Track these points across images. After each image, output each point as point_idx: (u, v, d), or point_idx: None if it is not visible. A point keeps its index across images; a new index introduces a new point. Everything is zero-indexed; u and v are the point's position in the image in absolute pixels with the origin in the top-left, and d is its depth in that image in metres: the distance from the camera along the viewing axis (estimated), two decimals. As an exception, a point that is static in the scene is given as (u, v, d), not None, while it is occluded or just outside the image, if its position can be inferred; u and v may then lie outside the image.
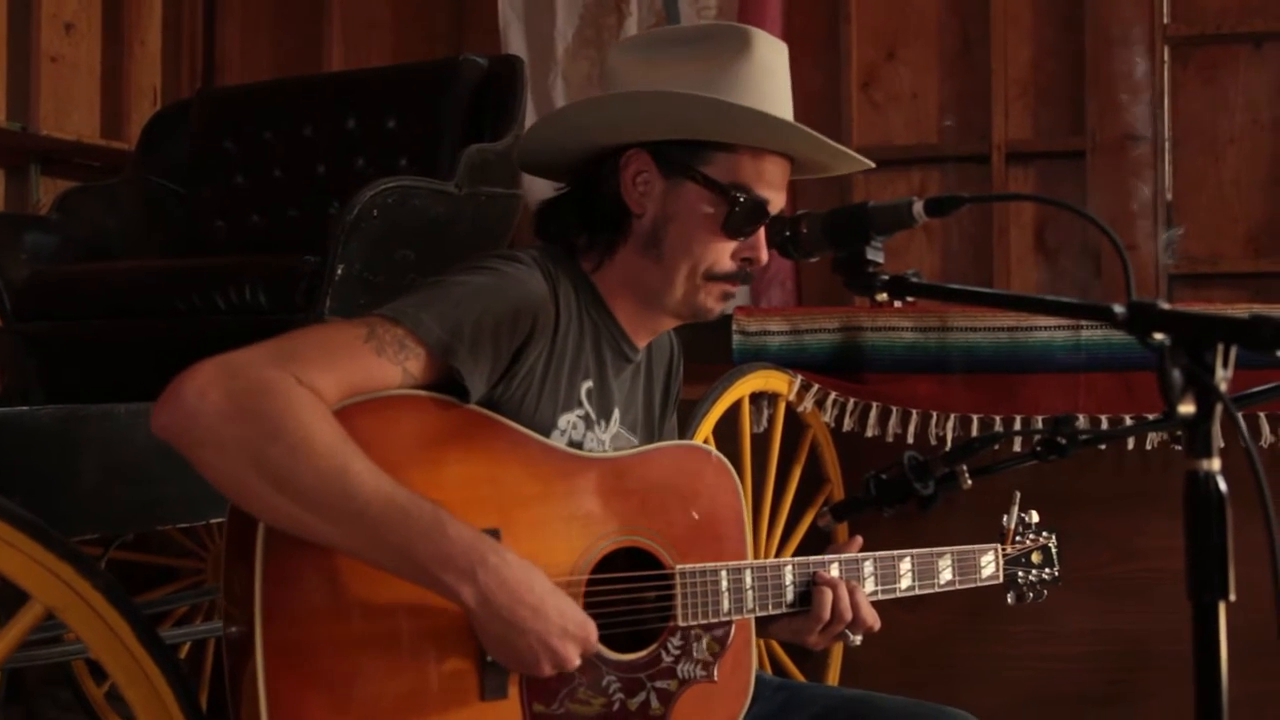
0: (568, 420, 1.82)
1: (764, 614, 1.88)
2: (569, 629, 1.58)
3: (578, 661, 1.61)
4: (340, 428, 1.49)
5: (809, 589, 1.90)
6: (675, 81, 1.80)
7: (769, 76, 1.84)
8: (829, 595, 1.88)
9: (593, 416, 1.86)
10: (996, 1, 4.02)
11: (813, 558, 1.93)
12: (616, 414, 1.92)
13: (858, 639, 1.95)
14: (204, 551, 3.81)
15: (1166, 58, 3.90)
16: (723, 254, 1.83)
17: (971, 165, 4.09)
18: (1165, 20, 3.90)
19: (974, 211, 4.05)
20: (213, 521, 2.69)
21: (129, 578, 3.76)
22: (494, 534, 1.60)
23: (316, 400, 1.49)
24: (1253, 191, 3.87)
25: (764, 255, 1.83)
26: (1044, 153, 4.04)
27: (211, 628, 2.83)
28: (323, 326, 1.63)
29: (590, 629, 1.62)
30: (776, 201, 1.85)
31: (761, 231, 1.82)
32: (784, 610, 1.89)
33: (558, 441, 1.78)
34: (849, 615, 1.90)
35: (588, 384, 1.85)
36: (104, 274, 2.99)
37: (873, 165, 1.94)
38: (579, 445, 1.82)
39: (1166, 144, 3.89)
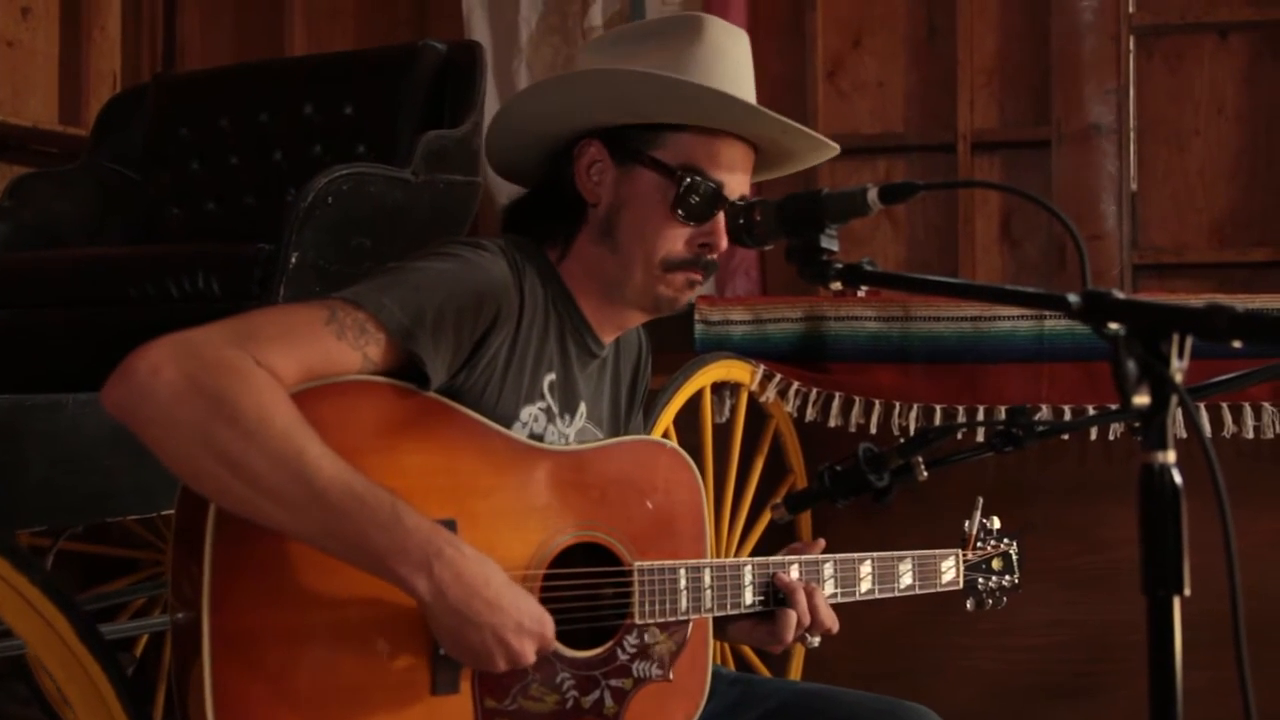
0: (529, 412, 1.79)
1: (721, 614, 1.86)
2: (525, 624, 1.55)
3: (534, 657, 1.58)
4: (297, 411, 1.46)
5: (768, 590, 1.88)
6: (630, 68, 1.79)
7: (721, 57, 1.82)
8: (792, 617, 1.87)
9: (555, 410, 1.83)
10: (962, -10, 4.01)
11: (772, 558, 1.91)
12: (583, 408, 1.89)
13: (816, 641, 1.93)
14: (163, 543, 3.76)
15: (1132, 47, 3.89)
16: (677, 240, 1.80)
17: (938, 154, 4.07)
18: (1131, 9, 3.89)
19: (939, 201, 4.04)
20: (166, 513, 2.64)
21: (86, 570, 3.72)
22: (449, 525, 1.58)
23: (274, 382, 1.46)
24: (1217, 181, 3.87)
25: (722, 242, 1.80)
26: (1009, 142, 4.03)
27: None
28: (283, 307, 1.62)
29: (547, 624, 1.59)
30: (733, 185, 1.82)
31: (720, 217, 1.79)
32: (741, 611, 1.87)
33: (519, 433, 1.75)
34: (807, 620, 1.88)
35: (550, 376, 1.83)
36: (55, 262, 2.94)
37: (837, 149, 1.92)
38: (540, 438, 1.80)
39: (1131, 134, 3.88)
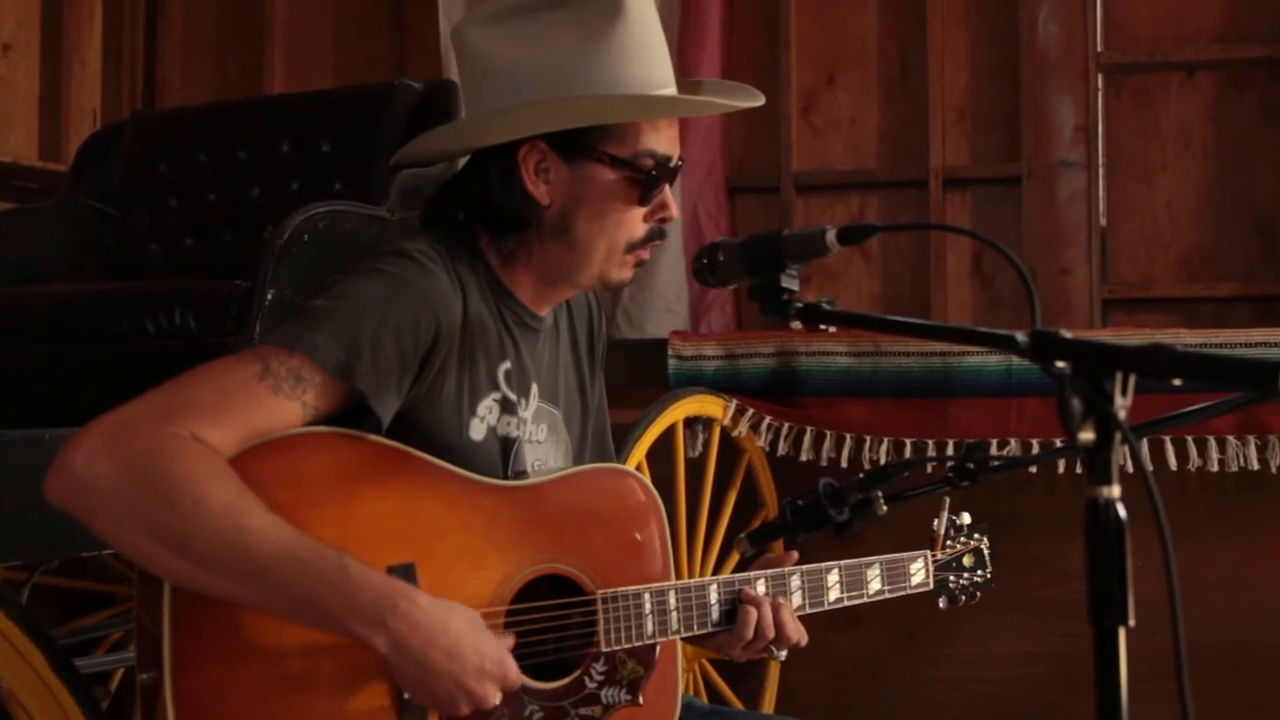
0: (485, 405, 1.79)
1: (689, 634, 1.87)
2: (486, 667, 1.57)
3: (497, 700, 1.60)
4: (237, 482, 1.47)
5: (735, 606, 1.90)
6: (551, 57, 1.76)
7: (648, 30, 1.81)
8: (752, 614, 1.88)
9: (511, 398, 1.83)
10: (934, 29, 4.05)
11: (738, 575, 1.93)
12: (535, 389, 1.89)
13: (783, 654, 1.95)
14: (138, 577, 3.76)
15: (1100, 85, 3.95)
16: (636, 222, 1.82)
17: (909, 191, 4.12)
18: (1099, 48, 3.95)
19: (911, 237, 4.08)
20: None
21: (62, 604, 3.72)
22: (409, 569, 1.59)
23: (210, 455, 1.47)
24: (1184, 217, 3.92)
25: (675, 211, 1.84)
26: (980, 179, 4.07)
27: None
28: (214, 368, 1.57)
29: (509, 665, 1.60)
30: (675, 154, 1.84)
31: (667, 188, 1.83)
32: (710, 629, 1.89)
33: (478, 429, 1.76)
34: (771, 633, 1.89)
35: (506, 365, 1.83)
36: (31, 298, 2.95)
37: (762, 99, 1.90)
38: (496, 430, 1.80)
39: (1100, 170, 3.93)
